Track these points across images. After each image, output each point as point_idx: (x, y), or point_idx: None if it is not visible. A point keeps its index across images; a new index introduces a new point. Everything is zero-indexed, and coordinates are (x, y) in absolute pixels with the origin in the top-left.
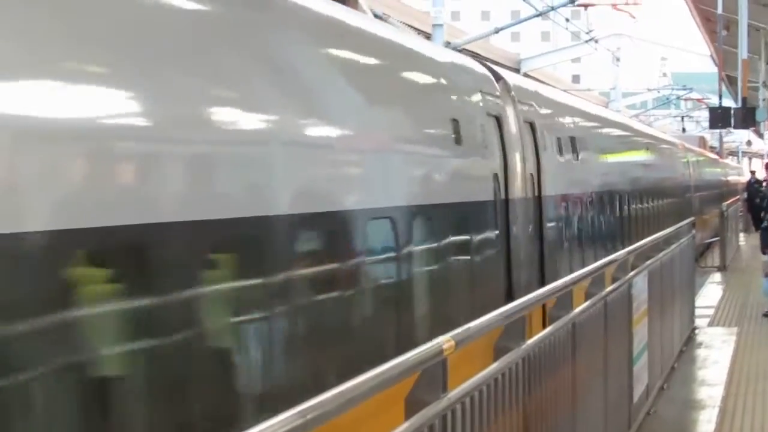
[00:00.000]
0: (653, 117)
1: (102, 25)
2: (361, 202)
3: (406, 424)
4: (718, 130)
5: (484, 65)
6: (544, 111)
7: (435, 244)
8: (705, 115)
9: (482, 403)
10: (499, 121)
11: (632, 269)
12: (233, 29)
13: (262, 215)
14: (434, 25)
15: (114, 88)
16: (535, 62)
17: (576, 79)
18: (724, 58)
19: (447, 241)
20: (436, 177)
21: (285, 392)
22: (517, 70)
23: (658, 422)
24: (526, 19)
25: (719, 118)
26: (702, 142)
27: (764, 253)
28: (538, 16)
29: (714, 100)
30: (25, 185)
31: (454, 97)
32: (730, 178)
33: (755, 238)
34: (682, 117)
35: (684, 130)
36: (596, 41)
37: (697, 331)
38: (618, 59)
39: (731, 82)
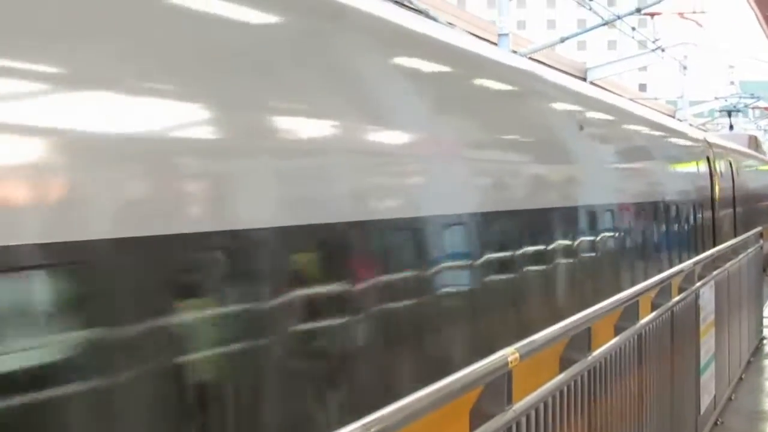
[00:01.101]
0: (719, 126)
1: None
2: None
3: None
4: None
5: (697, 131)
6: (717, 150)
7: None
8: None
9: (547, 415)
10: (708, 160)
11: (699, 279)
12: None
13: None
14: (500, 35)
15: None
16: (601, 71)
17: (642, 87)
18: None
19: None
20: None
21: None
22: (583, 79)
23: None
24: (592, 29)
25: None
26: (753, 141)
27: None
28: (604, 25)
29: None
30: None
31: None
32: None
33: None
34: (729, 112)
35: (732, 127)
36: (663, 50)
37: (765, 342)
38: (685, 68)
39: None
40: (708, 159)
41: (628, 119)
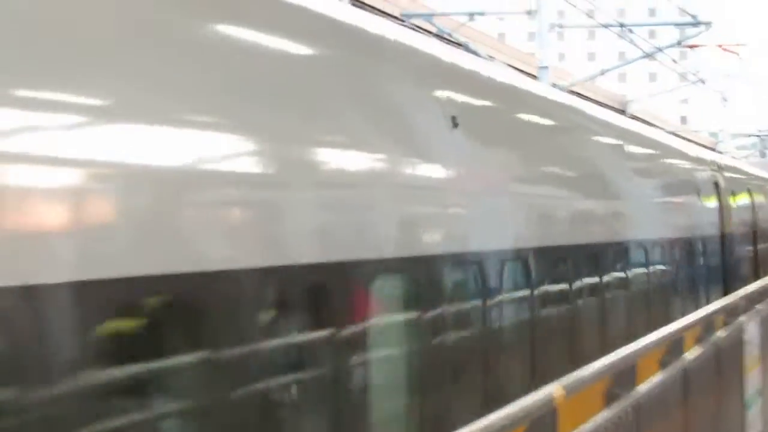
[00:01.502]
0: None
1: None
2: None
3: None
4: None
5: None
6: (731, 175)
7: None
8: None
9: None
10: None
11: (743, 313)
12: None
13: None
14: (540, 67)
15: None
16: (641, 104)
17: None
18: None
19: None
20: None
21: None
22: (622, 111)
23: None
24: (632, 61)
25: None
26: None
27: None
28: (645, 57)
29: None
30: None
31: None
32: None
33: None
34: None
35: (765, 154)
36: (703, 82)
37: None
38: (725, 99)
39: None
40: (716, 185)
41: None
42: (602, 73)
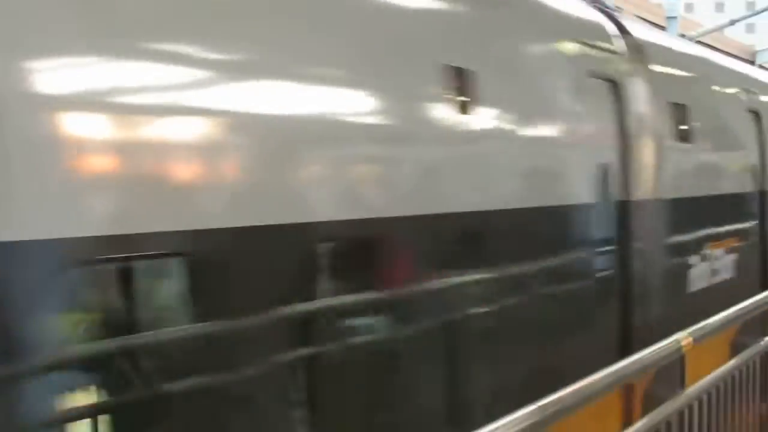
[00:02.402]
0: None
1: None
2: None
3: (644, 420)
4: None
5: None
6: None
7: None
8: None
9: (719, 400)
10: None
11: None
12: None
13: None
14: (668, 18)
15: None
16: None
17: None
18: None
19: None
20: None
21: None
22: (752, 62)
23: None
24: (762, 11)
25: None
26: None
27: None
28: None
29: None
30: None
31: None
32: None
33: None
34: None
35: None
36: None
37: None
38: None
39: None
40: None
41: None
42: (731, 23)
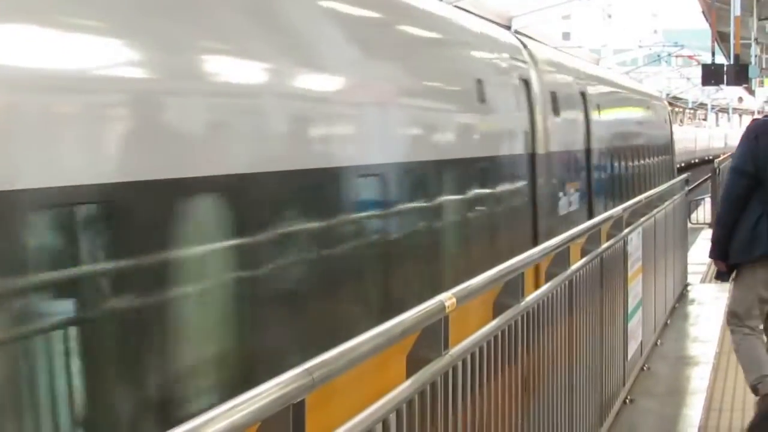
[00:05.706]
0: (644, 74)
1: None
2: None
3: (408, 382)
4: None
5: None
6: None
7: None
8: (696, 72)
9: (482, 359)
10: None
11: (627, 226)
12: None
13: None
14: None
15: None
16: (525, 19)
17: (566, 36)
18: (717, 14)
19: None
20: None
21: None
22: (508, 27)
23: (652, 378)
24: None
25: (712, 74)
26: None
27: None
28: None
29: (704, 57)
30: None
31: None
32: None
33: None
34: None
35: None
36: None
37: (689, 288)
38: (609, 16)
39: (723, 38)
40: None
41: None
42: None
